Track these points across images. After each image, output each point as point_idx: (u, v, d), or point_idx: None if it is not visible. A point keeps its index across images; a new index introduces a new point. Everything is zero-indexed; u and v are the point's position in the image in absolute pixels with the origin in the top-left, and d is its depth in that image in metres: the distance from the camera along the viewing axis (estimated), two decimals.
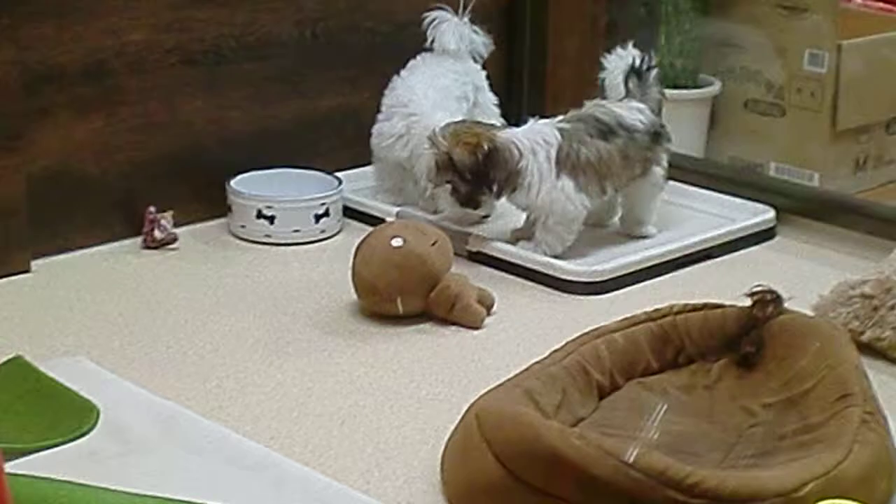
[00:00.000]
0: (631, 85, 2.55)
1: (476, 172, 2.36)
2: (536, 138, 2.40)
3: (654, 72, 2.58)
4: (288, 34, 2.74)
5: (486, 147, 2.35)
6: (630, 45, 2.62)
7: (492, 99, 2.84)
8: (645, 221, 2.59)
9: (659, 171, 2.53)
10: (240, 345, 2.17)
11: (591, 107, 2.48)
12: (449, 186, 2.40)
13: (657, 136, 2.51)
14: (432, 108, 2.63)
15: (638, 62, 2.56)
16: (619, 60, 2.59)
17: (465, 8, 2.75)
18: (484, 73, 2.82)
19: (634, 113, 2.48)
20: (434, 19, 2.74)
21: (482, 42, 2.79)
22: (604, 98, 2.58)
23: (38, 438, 1.83)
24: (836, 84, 3.19)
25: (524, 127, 2.44)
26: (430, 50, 2.75)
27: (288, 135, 2.76)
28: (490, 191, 2.40)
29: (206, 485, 1.73)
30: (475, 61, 2.80)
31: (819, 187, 3.17)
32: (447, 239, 2.33)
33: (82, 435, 1.86)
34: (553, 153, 2.38)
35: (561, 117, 2.46)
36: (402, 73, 2.72)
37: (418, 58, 2.75)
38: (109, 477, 1.72)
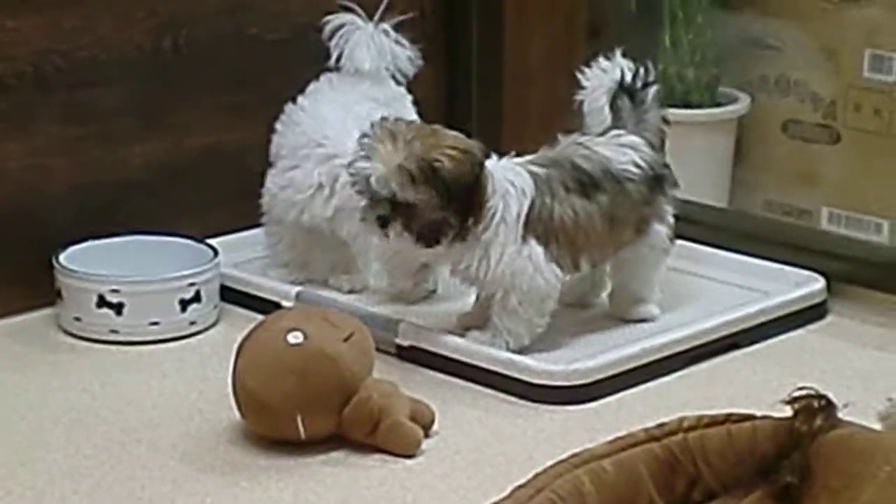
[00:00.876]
0: (620, 109, 2.57)
1: (466, 191, 2.37)
2: (510, 177, 2.43)
3: (652, 90, 2.60)
4: (137, 47, 2.76)
5: (479, 156, 2.39)
6: (618, 52, 2.64)
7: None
8: (643, 299, 2.61)
9: (662, 230, 2.56)
10: (73, 490, 2.15)
11: (567, 145, 2.49)
12: (396, 218, 2.37)
13: (658, 181, 2.53)
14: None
15: (629, 77, 2.58)
16: (603, 76, 2.61)
17: (382, 9, 2.78)
18: (410, 99, 2.85)
19: (626, 153, 2.49)
20: (341, 26, 2.77)
21: (407, 56, 2.82)
22: (584, 131, 2.60)
23: None
24: None
25: (491, 160, 2.45)
26: (337, 69, 2.78)
27: (141, 187, 2.77)
28: (461, 223, 2.39)
29: None
30: (397, 83, 2.83)
31: (889, 244, 3.20)
32: (366, 330, 2.33)
33: None
34: (525, 206, 2.41)
35: (530, 157, 2.48)
36: (302, 100, 2.75)
37: (322, 79, 2.78)
38: None
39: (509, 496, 1.94)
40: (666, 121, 2.62)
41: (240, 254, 2.81)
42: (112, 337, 2.62)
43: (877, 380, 2.37)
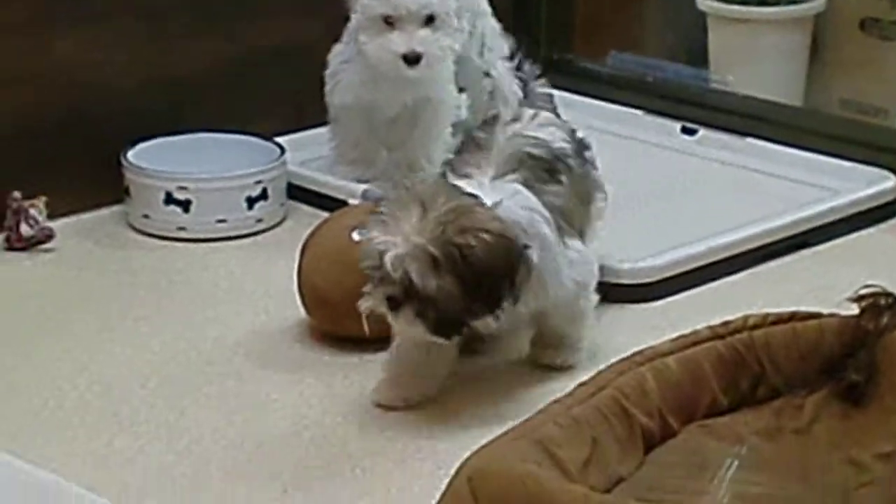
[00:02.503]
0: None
1: (498, 281, 2.05)
2: (517, 203, 2.15)
3: (528, 64, 2.55)
4: None
5: (518, 243, 2.07)
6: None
7: (496, 28, 2.86)
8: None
9: (601, 200, 2.38)
10: (141, 385, 2.18)
11: (509, 140, 2.23)
12: (408, 304, 2.04)
13: (581, 149, 2.35)
14: None
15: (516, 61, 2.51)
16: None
17: None
18: None
19: (552, 132, 2.29)
20: None
21: None
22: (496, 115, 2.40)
23: None
24: None
25: (503, 200, 2.12)
26: None
27: (209, 85, 2.77)
28: (489, 312, 2.09)
29: None
30: None
31: None
32: None
33: None
34: (545, 217, 2.16)
35: (492, 171, 2.20)
36: None
37: None
38: None
39: (572, 393, 1.94)
40: (550, 95, 2.57)
41: (306, 152, 2.82)
42: (179, 234, 2.64)
43: None
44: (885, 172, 2.73)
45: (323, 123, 2.78)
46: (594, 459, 1.86)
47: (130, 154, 2.68)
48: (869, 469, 1.91)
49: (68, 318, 2.37)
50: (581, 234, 2.26)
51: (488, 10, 2.83)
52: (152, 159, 2.68)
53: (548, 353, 2.25)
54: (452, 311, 2.03)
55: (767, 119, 2.91)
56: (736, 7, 3.34)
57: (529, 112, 2.32)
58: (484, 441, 1.80)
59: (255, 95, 2.85)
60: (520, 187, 2.15)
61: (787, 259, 2.55)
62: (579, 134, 2.34)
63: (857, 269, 2.37)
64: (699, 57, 3.36)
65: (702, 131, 2.92)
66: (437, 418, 2.10)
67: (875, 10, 3.34)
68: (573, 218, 2.22)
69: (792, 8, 3.37)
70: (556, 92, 3.02)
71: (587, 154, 2.34)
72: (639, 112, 3.01)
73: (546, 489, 1.72)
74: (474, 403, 2.14)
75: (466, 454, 1.77)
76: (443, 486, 1.78)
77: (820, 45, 3.42)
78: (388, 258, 1.99)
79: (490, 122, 2.30)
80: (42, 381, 2.20)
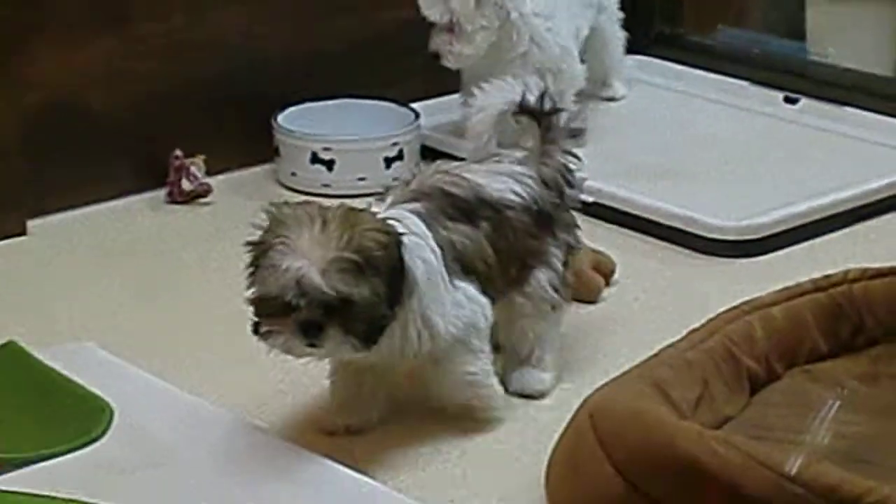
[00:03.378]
0: (524, 132, 2.07)
1: (398, 275, 1.81)
2: (404, 226, 1.87)
3: (561, 116, 2.07)
4: None
5: (399, 236, 1.82)
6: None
7: (615, 2, 2.85)
8: (532, 364, 2.06)
9: (545, 278, 2.00)
10: None
11: (430, 175, 1.97)
12: (332, 321, 1.78)
13: (544, 219, 2.00)
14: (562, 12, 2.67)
15: (532, 99, 2.04)
16: (494, 96, 2.08)
17: None
18: None
19: (503, 181, 1.97)
20: None
21: None
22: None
23: (38, 446, 1.87)
24: None
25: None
26: None
27: (349, 55, 2.78)
28: (392, 309, 1.83)
29: (245, 498, 1.77)
30: None
31: None
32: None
33: (92, 441, 1.89)
34: (434, 248, 1.89)
35: (391, 198, 1.93)
36: None
37: None
38: (124, 494, 1.76)
39: (684, 338, 1.94)
40: (576, 157, 2.08)
41: (439, 116, 2.81)
42: (324, 191, 2.64)
43: None
44: None
45: (454, 90, 2.78)
46: (704, 399, 1.86)
47: (280, 117, 2.70)
48: None
49: (223, 265, 2.39)
50: (492, 287, 1.93)
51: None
52: (300, 122, 2.70)
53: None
54: (377, 314, 1.79)
55: (863, 89, 2.88)
56: None
57: (495, 158, 2.02)
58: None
59: (392, 65, 2.85)
60: (408, 213, 1.87)
61: (883, 219, 2.52)
62: (560, 211, 2.01)
63: None
64: (798, 31, 3.31)
65: (803, 100, 2.89)
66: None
67: None
68: (473, 262, 1.89)
69: None
70: (666, 64, 3.02)
71: (554, 230, 2.00)
72: (745, 83, 2.97)
73: (662, 425, 1.72)
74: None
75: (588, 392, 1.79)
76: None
77: None
78: (309, 280, 1.73)
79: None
80: (201, 319, 2.24)
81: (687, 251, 2.41)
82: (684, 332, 1.94)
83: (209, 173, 2.61)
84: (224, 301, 2.25)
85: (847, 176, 2.57)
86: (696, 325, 1.96)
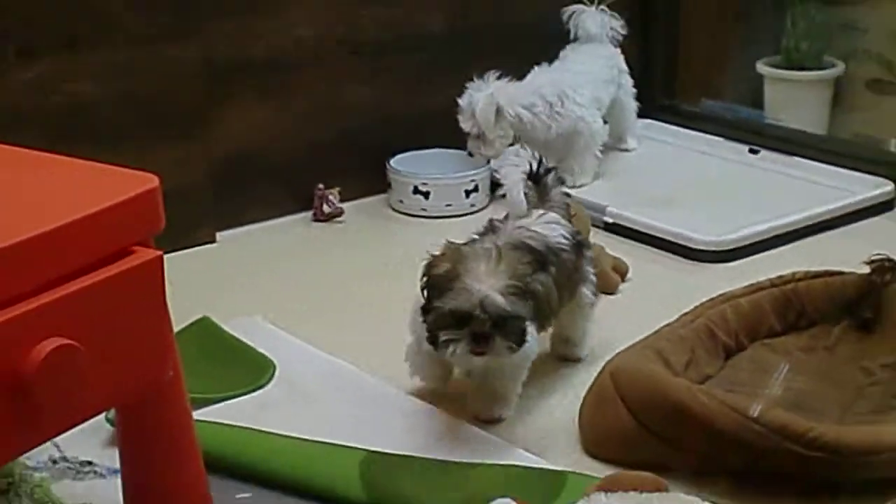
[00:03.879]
0: (528, 194, 1.95)
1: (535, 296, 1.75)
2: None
3: (551, 174, 1.98)
4: (440, 28, 2.75)
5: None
6: (519, 148, 2.06)
7: (630, 82, 2.84)
8: (575, 344, 2.02)
9: (587, 291, 1.95)
10: (400, 307, 2.18)
11: (513, 230, 1.84)
12: (497, 333, 1.71)
13: (579, 247, 1.91)
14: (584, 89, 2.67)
15: (535, 167, 1.96)
16: (516, 169, 1.96)
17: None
18: (623, 58, 2.83)
19: (554, 228, 1.87)
20: (574, 11, 2.77)
21: (619, 26, 2.80)
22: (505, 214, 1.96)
23: (221, 390, 1.89)
24: None
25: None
26: (574, 40, 2.77)
27: (443, 117, 2.76)
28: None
29: (369, 433, 1.78)
30: (614, 46, 2.81)
31: None
32: (584, 210, 2.33)
33: (259, 387, 1.92)
34: None
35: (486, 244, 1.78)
36: (555, 62, 2.74)
37: (567, 48, 2.78)
38: (281, 424, 1.78)
39: (677, 320, 1.94)
40: (567, 195, 2.02)
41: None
42: (422, 213, 2.64)
43: None
44: (885, 180, 2.64)
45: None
46: (692, 363, 1.86)
47: (392, 161, 2.69)
48: (875, 374, 1.88)
49: (353, 265, 2.41)
50: (550, 319, 1.86)
51: (626, 67, 2.84)
52: (406, 164, 2.69)
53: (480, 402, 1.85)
54: (524, 328, 1.71)
55: (805, 144, 2.85)
56: (782, 71, 3.26)
57: (539, 212, 1.90)
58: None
59: None
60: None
61: (820, 235, 2.49)
62: (581, 235, 1.96)
63: (867, 244, 2.29)
64: (759, 102, 3.29)
65: (763, 152, 2.85)
66: None
67: (877, 74, 3.23)
68: (542, 306, 1.77)
69: (820, 72, 3.27)
70: (665, 125, 3.01)
71: (585, 252, 1.94)
72: (720, 139, 2.94)
73: (661, 380, 1.72)
74: None
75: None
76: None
77: (839, 98, 3.31)
78: (492, 300, 1.67)
79: (504, 218, 1.91)
80: (340, 301, 2.24)
81: (681, 258, 2.39)
82: (677, 316, 1.94)
83: (342, 200, 2.61)
84: (355, 290, 2.28)
85: (795, 205, 2.54)
86: (686, 310, 1.96)
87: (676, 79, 3.16)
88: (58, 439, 1.71)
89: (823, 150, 2.82)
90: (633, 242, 2.45)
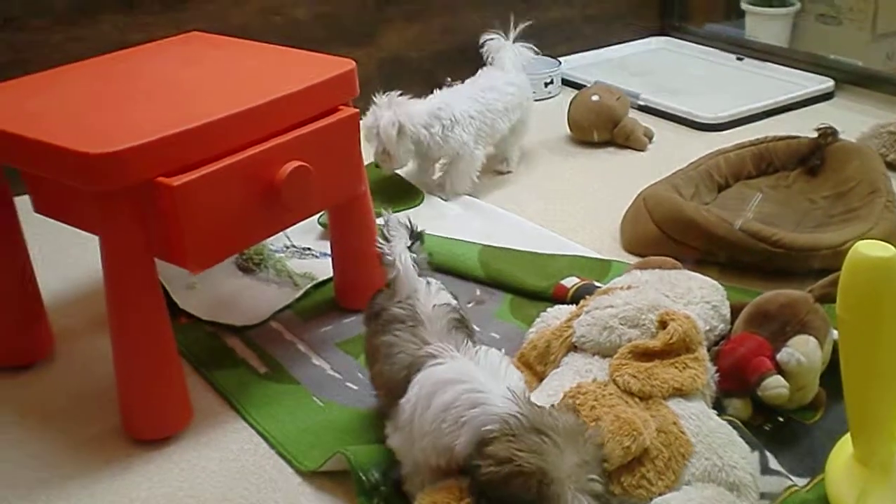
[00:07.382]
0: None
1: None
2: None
3: (418, 242, 1.27)
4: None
5: None
6: (390, 217, 1.28)
7: (533, 108, 2.05)
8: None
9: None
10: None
11: (434, 310, 1.17)
12: None
13: (461, 321, 1.19)
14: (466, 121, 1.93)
15: (409, 235, 1.27)
16: (400, 242, 1.24)
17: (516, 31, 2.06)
18: (532, 91, 2.00)
19: (446, 294, 1.22)
20: (490, 39, 2.08)
21: (532, 56, 2.09)
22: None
23: (399, 207, 1.92)
24: (875, 2, 2.92)
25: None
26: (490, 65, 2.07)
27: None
28: None
29: (485, 238, 1.79)
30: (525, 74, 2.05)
31: (863, 66, 2.93)
32: (625, 96, 2.29)
33: (416, 205, 1.94)
34: None
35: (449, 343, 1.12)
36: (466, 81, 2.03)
37: (480, 70, 2.05)
38: (431, 229, 1.76)
39: (687, 166, 1.92)
40: (429, 263, 1.28)
41: (572, 63, 2.70)
42: None
43: (855, 123, 2.20)
44: (826, 78, 2.53)
45: (583, 50, 2.66)
46: (696, 194, 1.85)
47: None
48: (817, 203, 1.85)
49: None
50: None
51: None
52: None
53: None
54: None
55: (774, 53, 2.73)
56: (759, 7, 3.10)
57: (423, 282, 1.21)
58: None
59: (550, 38, 2.72)
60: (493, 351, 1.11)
61: (783, 115, 2.40)
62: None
63: (815, 120, 2.21)
64: (743, 26, 3.14)
65: (745, 59, 2.74)
66: None
67: (823, 10, 3.04)
68: None
69: (782, 9, 3.05)
70: (679, 41, 2.90)
71: (467, 324, 1.22)
72: (716, 50, 2.82)
73: (677, 203, 1.72)
74: None
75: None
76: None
77: (796, 27, 3.13)
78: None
79: (390, 297, 1.21)
80: None
81: (689, 128, 2.33)
82: (686, 164, 1.92)
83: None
84: None
85: (766, 94, 2.44)
86: (693, 160, 1.94)
87: (687, 7, 3.04)
88: (289, 231, 1.76)
89: (786, 57, 2.72)
90: (656, 118, 2.40)
